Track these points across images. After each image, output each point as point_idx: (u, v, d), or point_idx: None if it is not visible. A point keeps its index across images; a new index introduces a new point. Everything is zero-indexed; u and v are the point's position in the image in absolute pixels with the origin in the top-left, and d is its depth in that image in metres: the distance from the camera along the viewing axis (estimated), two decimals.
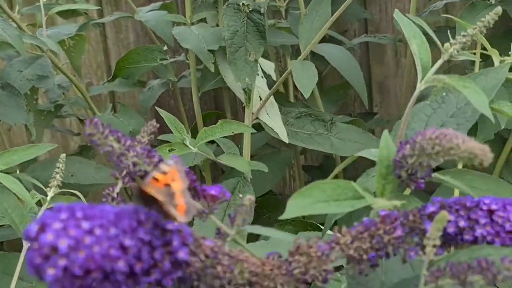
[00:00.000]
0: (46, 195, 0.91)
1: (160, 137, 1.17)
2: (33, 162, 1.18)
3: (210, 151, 1.15)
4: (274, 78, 1.29)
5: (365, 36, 1.64)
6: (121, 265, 0.44)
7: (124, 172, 0.64)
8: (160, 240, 0.47)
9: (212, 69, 1.19)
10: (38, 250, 0.42)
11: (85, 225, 0.43)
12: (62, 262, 0.42)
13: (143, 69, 1.37)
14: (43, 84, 1.31)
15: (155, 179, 0.54)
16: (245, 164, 1.11)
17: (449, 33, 0.73)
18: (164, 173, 0.54)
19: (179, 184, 0.53)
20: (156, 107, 1.13)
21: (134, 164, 0.61)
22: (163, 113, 1.12)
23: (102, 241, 0.43)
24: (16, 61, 1.28)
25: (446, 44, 0.62)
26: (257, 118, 1.21)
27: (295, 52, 1.42)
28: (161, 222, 0.48)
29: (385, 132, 0.56)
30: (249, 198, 0.54)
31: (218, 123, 1.11)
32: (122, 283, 0.45)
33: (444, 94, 0.66)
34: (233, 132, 1.11)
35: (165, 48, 1.39)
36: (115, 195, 0.68)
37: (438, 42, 0.63)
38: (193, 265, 0.48)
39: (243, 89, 1.13)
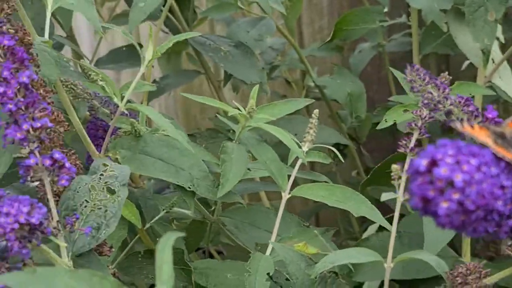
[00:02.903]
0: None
1: (392, 98, 1.17)
2: None
3: None
4: (502, 41, 1.25)
5: None
6: (499, 204, 0.44)
7: (421, 122, 0.63)
8: None
9: (445, 29, 1.16)
10: (432, 184, 0.42)
11: (474, 161, 0.43)
12: (456, 196, 0.42)
13: (361, 31, 1.36)
14: (258, 46, 1.33)
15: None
16: None
17: None
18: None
19: None
20: (391, 68, 1.12)
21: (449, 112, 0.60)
22: (397, 73, 1.11)
23: (488, 178, 0.43)
24: (243, 21, 1.31)
25: None
26: (489, 81, 1.18)
27: None
28: None
29: None
30: None
31: (454, 84, 1.09)
32: (496, 223, 0.45)
33: None
34: (470, 94, 1.09)
35: (386, 9, 1.37)
36: (412, 145, 0.68)
37: None
38: None
39: (482, 50, 1.10)
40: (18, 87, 0.64)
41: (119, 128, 0.91)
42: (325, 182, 0.95)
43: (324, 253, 0.72)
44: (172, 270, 0.49)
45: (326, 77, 1.43)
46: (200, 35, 1.14)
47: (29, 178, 0.64)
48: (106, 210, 0.68)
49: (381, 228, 1.18)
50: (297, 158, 0.92)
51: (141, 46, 1.42)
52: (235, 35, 1.26)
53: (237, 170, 0.85)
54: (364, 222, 1.64)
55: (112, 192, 0.69)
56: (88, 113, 0.99)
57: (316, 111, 0.94)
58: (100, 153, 0.87)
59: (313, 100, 0.96)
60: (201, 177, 0.86)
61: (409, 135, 0.72)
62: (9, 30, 0.68)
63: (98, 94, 0.91)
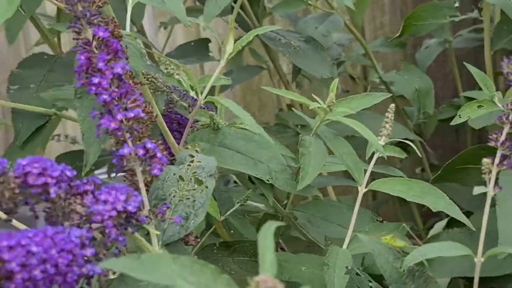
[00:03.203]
0: None
1: (465, 94, 1.16)
2: None
3: None
4: None
5: None
6: None
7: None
8: None
9: None
10: None
11: None
12: None
13: (430, 26, 1.35)
14: (325, 42, 1.33)
15: None
16: None
17: None
18: None
19: None
20: (465, 63, 1.11)
21: None
22: (471, 68, 1.10)
23: None
24: (311, 17, 1.31)
25: None
26: None
27: None
28: None
29: None
30: None
31: None
32: None
33: None
34: None
35: (456, 4, 1.36)
36: (503, 139, 0.67)
37: None
38: None
39: None
40: (112, 78, 0.65)
41: (196, 121, 0.92)
42: (401, 177, 0.95)
43: (412, 247, 0.72)
44: (275, 258, 0.50)
45: (393, 73, 1.42)
46: (270, 30, 1.14)
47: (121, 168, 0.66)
48: (194, 200, 0.68)
49: (449, 225, 1.17)
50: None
51: (205, 41, 1.43)
52: (304, 31, 1.26)
53: (315, 164, 0.86)
54: (428, 219, 1.63)
55: (199, 182, 0.70)
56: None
57: (392, 105, 0.94)
58: (179, 145, 0.88)
59: (390, 94, 0.95)
60: (279, 170, 0.86)
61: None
62: (101, 22, 0.70)
63: (177, 87, 0.92)
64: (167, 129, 0.87)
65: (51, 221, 0.58)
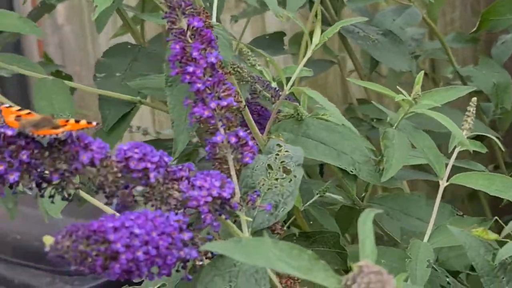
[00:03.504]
0: None
1: None
2: None
3: None
4: None
5: None
6: None
7: None
8: None
9: None
10: None
11: None
12: None
13: (508, 22, 1.33)
14: (401, 35, 1.32)
15: None
16: None
17: None
18: None
19: None
20: None
21: None
22: None
23: None
24: (388, 10, 1.31)
25: None
26: None
27: None
28: None
29: None
30: None
31: None
32: None
33: None
34: None
35: None
36: None
37: None
38: None
39: None
40: (206, 67, 0.67)
41: (278, 112, 0.93)
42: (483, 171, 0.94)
43: (504, 240, 0.72)
44: (374, 244, 0.50)
45: (470, 67, 1.40)
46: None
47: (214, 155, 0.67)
48: (283, 189, 0.69)
49: None
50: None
51: (280, 34, 1.44)
52: (381, 24, 1.26)
53: (399, 156, 0.86)
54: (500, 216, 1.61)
55: (288, 171, 0.71)
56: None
57: (474, 99, 0.93)
58: (262, 135, 0.89)
59: (474, 88, 0.95)
60: (362, 162, 0.87)
61: None
62: (193, 12, 0.71)
63: (260, 78, 0.93)
64: (251, 118, 0.88)
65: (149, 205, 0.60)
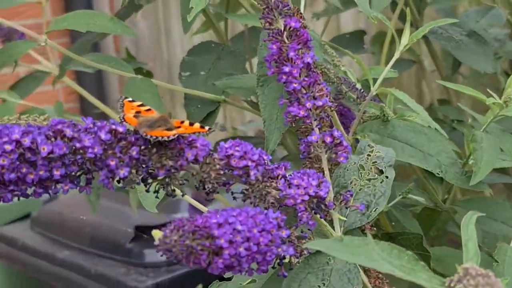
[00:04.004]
0: None
1: None
2: None
3: None
4: None
5: None
6: None
7: None
8: None
9: None
10: None
11: None
12: None
13: None
14: (485, 36, 1.31)
15: None
16: None
17: None
18: None
19: None
20: None
21: None
22: None
23: None
24: (472, 11, 1.30)
25: None
26: None
27: None
28: None
29: None
30: None
31: None
32: None
33: None
34: None
35: None
36: None
37: None
38: None
39: None
40: (302, 67, 0.68)
41: (363, 112, 0.93)
42: None
43: None
44: (477, 247, 0.51)
45: None
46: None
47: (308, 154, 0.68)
48: (375, 189, 0.70)
49: None
50: None
51: (360, 33, 1.43)
52: (465, 25, 1.25)
53: (488, 159, 0.85)
54: None
55: (379, 172, 0.71)
56: None
57: None
58: (348, 135, 0.90)
59: None
60: (449, 164, 0.86)
61: None
62: (289, 12, 0.72)
63: (346, 79, 0.94)
64: (337, 119, 0.89)
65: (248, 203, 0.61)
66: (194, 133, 0.57)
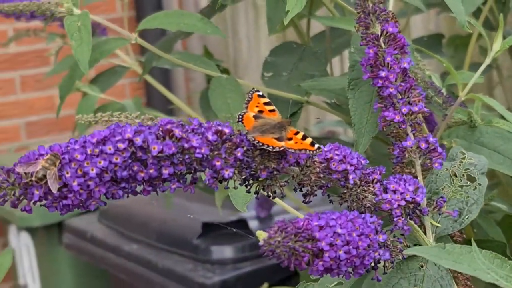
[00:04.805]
0: None
1: None
2: None
3: None
4: None
5: None
6: None
7: None
8: None
9: None
10: None
11: None
12: None
13: None
14: None
15: None
16: None
17: None
18: None
19: None
20: None
21: None
22: None
23: None
24: None
25: None
26: None
27: None
28: None
29: None
30: None
31: None
32: None
33: None
34: None
35: None
36: None
37: None
38: None
39: None
40: (399, 72, 0.68)
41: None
42: None
43: None
44: None
45: None
46: None
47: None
48: (467, 196, 0.69)
49: None
50: None
51: (439, 36, 1.42)
52: None
53: None
54: None
55: (472, 179, 0.71)
56: None
57: None
58: None
59: None
60: None
61: None
62: (386, 17, 0.72)
63: (433, 83, 0.93)
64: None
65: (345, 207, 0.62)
66: (301, 150, 0.57)
